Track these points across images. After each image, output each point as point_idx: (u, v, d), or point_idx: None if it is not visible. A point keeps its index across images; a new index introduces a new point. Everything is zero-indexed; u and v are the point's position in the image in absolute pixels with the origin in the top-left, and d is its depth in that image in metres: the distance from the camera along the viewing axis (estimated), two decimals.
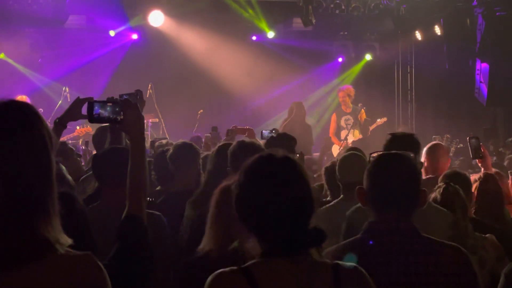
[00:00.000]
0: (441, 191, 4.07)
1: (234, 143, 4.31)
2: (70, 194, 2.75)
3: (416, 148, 4.18)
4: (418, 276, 2.68)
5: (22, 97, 12.03)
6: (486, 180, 4.74)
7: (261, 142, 5.06)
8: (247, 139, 4.56)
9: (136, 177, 2.74)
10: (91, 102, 2.87)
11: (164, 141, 7.32)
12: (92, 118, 2.88)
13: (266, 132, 6.51)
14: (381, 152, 3.06)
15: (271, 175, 2.19)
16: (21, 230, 1.79)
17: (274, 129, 6.70)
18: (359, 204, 3.86)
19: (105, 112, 2.83)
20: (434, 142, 5.88)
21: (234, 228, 2.82)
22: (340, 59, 15.63)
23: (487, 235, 4.07)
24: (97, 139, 5.49)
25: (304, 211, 2.19)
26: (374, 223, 2.80)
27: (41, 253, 1.81)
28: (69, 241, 1.87)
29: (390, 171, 2.82)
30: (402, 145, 3.99)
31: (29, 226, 1.80)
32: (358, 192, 2.89)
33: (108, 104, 2.85)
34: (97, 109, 2.83)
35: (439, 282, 2.68)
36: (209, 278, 2.15)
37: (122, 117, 2.80)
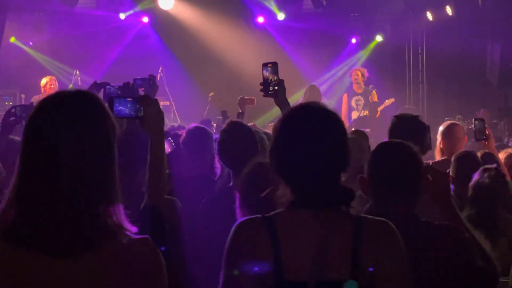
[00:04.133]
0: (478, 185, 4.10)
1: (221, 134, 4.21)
2: None
3: (422, 130, 4.17)
4: (418, 260, 2.68)
5: (50, 78, 11.94)
6: (484, 160, 4.77)
7: None
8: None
9: (157, 170, 2.84)
10: (111, 98, 2.89)
11: (175, 124, 7.34)
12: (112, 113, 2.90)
13: None
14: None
15: (307, 126, 2.20)
16: (86, 218, 1.85)
17: None
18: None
19: (125, 109, 2.86)
20: (451, 122, 5.83)
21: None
22: (353, 40, 15.51)
23: None
24: None
25: (336, 165, 2.21)
26: (372, 208, 2.83)
27: (105, 239, 1.86)
28: (132, 228, 1.93)
29: (389, 159, 2.85)
30: (407, 128, 4.00)
31: (93, 214, 1.86)
32: (359, 181, 2.92)
33: (129, 99, 2.88)
34: (118, 106, 2.85)
35: (440, 265, 2.70)
36: (235, 224, 2.23)
37: (142, 113, 2.84)
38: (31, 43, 14.32)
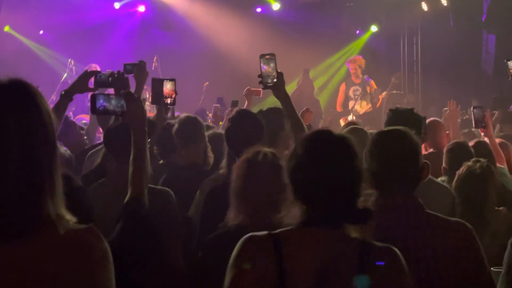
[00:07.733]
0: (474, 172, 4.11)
1: (228, 123, 4.21)
2: (65, 174, 2.80)
3: (417, 122, 4.17)
4: (427, 249, 2.70)
5: (92, 66, 11.87)
6: (476, 148, 4.79)
7: None
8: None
9: (139, 164, 2.92)
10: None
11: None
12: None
13: None
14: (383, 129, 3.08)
15: (330, 151, 2.28)
16: (24, 206, 1.83)
17: None
18: None
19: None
20: (431, 119, 5.87)
21: (266, 199, 2.97)
22: (357, 31, 15.51)
23: (500, 208, 4.14)
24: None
25: (353, 189, 2.27)
26: (380, 198, 2.78)
27: (43, 228, 1.84)
28: (73, 219, 1.90)
29: (389, 147, 2.82)
30: (402, 121, 4.00)
31: (32, 203, 1.84)
32: None
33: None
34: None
35: (447, 254, 2.70)
36: (240, 240, 2.26)
37: (125, 109, 2.91)
38: (42, 32, 14.21)
